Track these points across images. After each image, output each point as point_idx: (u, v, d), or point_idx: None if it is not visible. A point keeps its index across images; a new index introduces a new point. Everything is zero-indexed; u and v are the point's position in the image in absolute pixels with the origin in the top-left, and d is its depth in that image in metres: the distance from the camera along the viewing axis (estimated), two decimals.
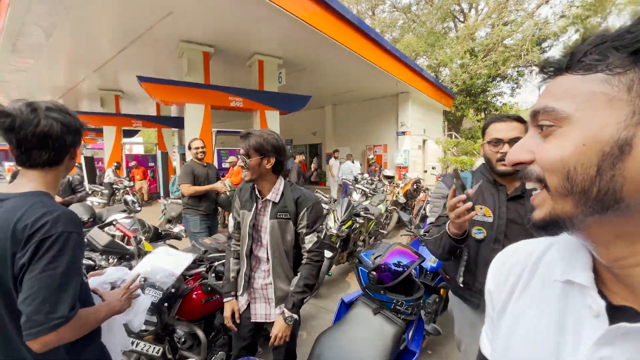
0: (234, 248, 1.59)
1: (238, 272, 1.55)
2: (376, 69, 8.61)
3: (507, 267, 0.49)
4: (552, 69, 0.38)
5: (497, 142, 1.26)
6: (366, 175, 8.33)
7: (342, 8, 6.73)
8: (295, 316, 1.37)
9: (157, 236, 3.29)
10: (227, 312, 1.52)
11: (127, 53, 7.61)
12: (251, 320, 1.51)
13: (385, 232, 5.33)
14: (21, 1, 4.95)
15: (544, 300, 0.41)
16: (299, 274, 1.44)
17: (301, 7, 5.85)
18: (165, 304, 1.61)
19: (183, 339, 1.78)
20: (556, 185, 0.34)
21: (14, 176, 7.58)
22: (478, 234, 1.30)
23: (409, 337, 1.39)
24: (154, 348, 1.58)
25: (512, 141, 1.21)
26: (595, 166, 0.31)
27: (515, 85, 17.39)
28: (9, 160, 21.91)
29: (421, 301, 1.46)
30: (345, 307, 1.60)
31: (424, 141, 13.58)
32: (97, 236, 1.80)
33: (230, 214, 1.63)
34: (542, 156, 0.36)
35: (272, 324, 1.47)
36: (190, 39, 6.93)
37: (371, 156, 12.67)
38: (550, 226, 0.36)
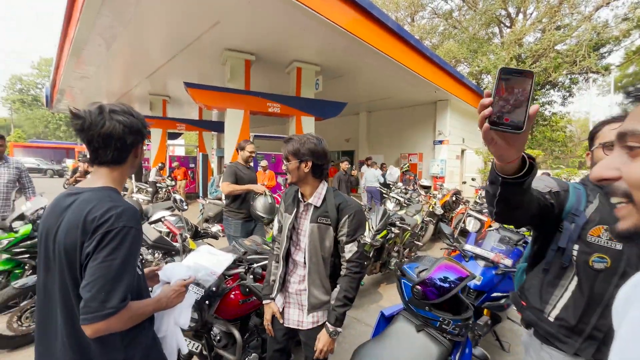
0: (276, 252, 1.59)
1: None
2: (414, 75, 8.43)
3: None
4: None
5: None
6: (400, 184, 8.12)
7: (381, 15, 6.68)
8: (340, 330, 1.35)
9: (197, 234, 3.42)
10: (267, 315, 1.53)
11: (176, 61, 8.15)
12: (284, 325, 1.51)
13: (420, 243, 5.12)
14: (90, 14, 5.49)
15: None
16: (338, 286, 1.40)
17: (341, 14, 5.89)
18: (206, 302, 1.65)
19: (219, 338, 1.81)
20: None
21: (74, 172, 8.36)
22: (598, 262, 1.00)
23: (456, 358, 1.29)
24: (193, 344, 1.62)
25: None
26: None
27: (568, 94, 16.08)
28: (69, 158, 24.32)
29: (470, 322, 1.35)
30: (385, 321, 1.53)
31: (463, 151, 12.98)
32: (148, 232, 1.90)
33: (276, 218, 1.62)
34: (631, 174, 0.39)
35: (305, 331, 1.46)
36: (234, 47, 7.26)
37: (405, 164, 12.34)
38: (636, 236, 0.41)
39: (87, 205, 0.90)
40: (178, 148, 22.76)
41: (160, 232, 2.25)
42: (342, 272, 1.40)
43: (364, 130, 14.28)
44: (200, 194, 7.26)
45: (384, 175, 9.18)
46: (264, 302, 1.56)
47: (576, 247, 1.03)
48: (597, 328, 0.99)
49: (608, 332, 0.96)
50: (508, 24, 18.72)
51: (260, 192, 3.34)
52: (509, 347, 2.66)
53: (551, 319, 1.07)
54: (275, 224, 1.62)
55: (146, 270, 1.27)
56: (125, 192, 11.27)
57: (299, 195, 1.51)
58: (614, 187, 0.42)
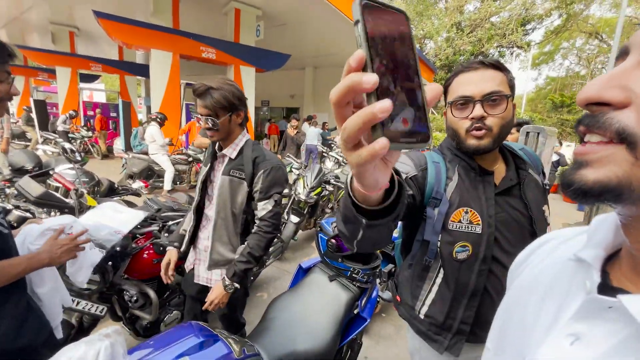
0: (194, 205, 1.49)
1: None
2: None
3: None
4: None
5: (465, 101, 0.82)
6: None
7: None
8: (237, 285, 1.28)
9: (112, 191, 3.07)
10: (163, 261, 1.46)
11: None
12: (194, 281, 1.45)
13: None
14: None
15: (550, 276, 0.38)
16: (245, 242, 1.33)
17: None
18: (110, 263, 1.51)
19: (135, 298, 1.71)
20: None
21: None
22: (461, 252, 0.87)
23: (362, 304, 1.41)
24: (97, 307, 1.50)
25: (488, 98, 0.80)
26: None
27: None
28: None
29: (377, 270, 1.48)
30: (303, 273, 1.59)
31: None
32: (28, 186, 1.60)
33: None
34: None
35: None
36: None
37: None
38: (607, 194, 0.26)
39: None
40: (97, 94, 19.60)
41: (55, 187, 1.94)
42: (253, 230, 1.33)
43: (310, 86, 13.90)
44: (123, 147, 6.47)
45: (324, 134, 9.21)
46: (167, 248, 1.49)
47: (440, 237, 0.89)
48: (463, 321, 0.90)
49: (474, 325, 0.90)
50: None
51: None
52: None
53: (421, 316, 0.97)
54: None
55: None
56: (29, 143, 9.49)
57: (216, 147, 1.39)
58: (605, 120, 0.26)
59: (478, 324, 0.90)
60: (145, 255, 1.72)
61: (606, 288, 0.31)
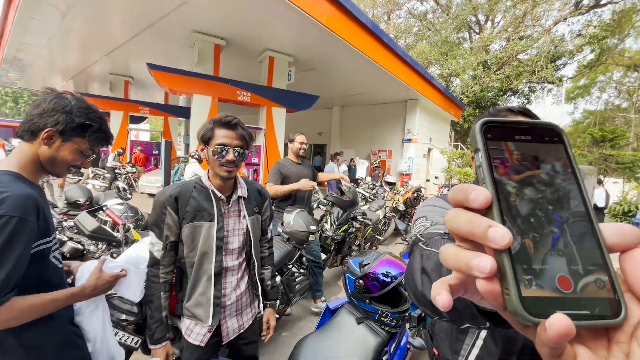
0: (163, 279, 1.23)
1: (177, 306, 1.31)
2: (386, 73, 8.58)
3: None
4: None
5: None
6: (369, 179, 8.28)
7: (356, 10, 6.70)
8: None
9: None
10: None
11: (140, 39, 7.66)
12: (223, 343, 1.32)
13: (381, 238, 5.29)
14: None
15: None
16: (269, 268, 1.43)
17: (316, 6, 5.83)
18: None
19: None
20: None
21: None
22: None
23: (391, 350, 1.36)
24: (133, 339, 1.56)
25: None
26: None
27: (526, 101, 17.25)
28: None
29: (407, 314, 1.43)
30: (330, 314, 1.56)
31: (430, 150, 13.50)
32: (85, 221, 1.78)
33: (152, 234, 1.24)
34: None
35: (247, 329, 1.38)
36: (203, 30, 6.95)
37: (376, 160, 12.62)
38: None
39: None
40: (142, 133, 21.55)
41: (105, 222, 2.13)
42: (266, 253, 1.42)
43: (337, 124, 14.38)
44: (162, 183, 6.94)
45: (350, 169, 9.31)
46: (156, 346, 1.21)
47: None
48: None
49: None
50: (477, 31, 19.57)
51: (308, 188, 2.89)
52: None
53: None
54: (154, 244, 1.24)
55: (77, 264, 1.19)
56: (81, 178, 10.50)
57: (217, 193, 1.24)
58: None
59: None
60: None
61: None
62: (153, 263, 1.24)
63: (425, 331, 1.08)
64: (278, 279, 2.16)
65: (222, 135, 1.16)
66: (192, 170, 5.73)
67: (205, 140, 1.19)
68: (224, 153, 1.15)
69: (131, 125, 12.71)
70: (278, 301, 1.38)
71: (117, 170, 9.33)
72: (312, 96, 9.00)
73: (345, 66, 8.43)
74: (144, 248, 1.68)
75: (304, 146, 3.03)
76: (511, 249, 0.20)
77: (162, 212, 1.19)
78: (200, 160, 5.93)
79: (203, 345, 1.26)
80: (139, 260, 1.59)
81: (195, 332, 1.26)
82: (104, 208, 1.88)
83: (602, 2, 16.45)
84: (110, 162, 9.30)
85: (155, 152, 12.22)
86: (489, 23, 19.21)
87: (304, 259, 3.21)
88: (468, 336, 0.87)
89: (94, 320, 1.10)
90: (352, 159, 11.56)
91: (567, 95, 22.69)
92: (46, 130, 0.89)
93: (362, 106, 13.63)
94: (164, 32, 7.16)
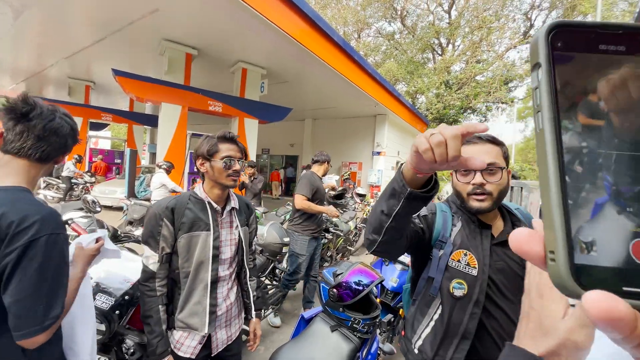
0: (160, 292, 1.22)
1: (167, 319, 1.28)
2: (357, 89, 8.92)
3: None
4: None
5: (467, 172, 0.98)
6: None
7: (329, 28, 6.98)
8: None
9: (115, 238, 3.12)
10: None
11: (105, 44, 7.35)
12: (212, 355, 1.33)
13: (352, 249, 5.41)
14: None
15: None
16: (254, 279, 1.47)
17: (289, 22, 6.00)
18: (117, 312, 1.54)
19: (132, 350, 1.69)
20: None
21: None
22: (457, 289, 0.96)
23: (363, 354, 1.43)
24: (100, 358, 1.49)
25: (486, 169, 0.94)
26: None
27: (484, 119, 18.66)
28: None
29: (377, 320, 1.51)
30: (305, 323, 1.61)
31: (397, 163, 14.08)
32: None
33: (146, 248, 1.25)
34: None
35: (234, 341, 1.40)
36: (174, 38, 6.84)
37: (346, 172, 12.90)
38: None
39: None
40: (102, 141, 20.29)
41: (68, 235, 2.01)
42: (250, 265, 1.46)
43: (309, 136, 14.57)
44: (126, 193, 6.59)
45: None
46: None
47: (443, 274, 1.00)
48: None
49: (478, 338, 0.94)
50: (440, 52, 21.01)
51: (333, 216, 3.16)
52: None
53: (415, 350, 1.00)
54: (150, 257, 1.23)
55: None
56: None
57: (212, 204, 1.29)
58: None
59: (478, 343, 0.94)
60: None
61: None
62: (148, 277, 1.23)
63: (403, 320, 1.25)
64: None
65: (227, 149, 1.27)
66: (159, 181, 5.53)
67: (210, 154, 1.25)
68: (231, 164, 1.26)
69: (90, 132, 11.98)
70: (262, 311, 1.43)
71: (73, 180, 8.70)
72: (284, 108, 9.10)
73: (317, 80, 8.66)
74: (114, 263, 1.63)
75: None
76: (567, 193, 0.16)
77: (158, 223, 1.22)
78: (168, 171, 5.74)
79: (194, 357, 1.26)
80: (108, 276, 1.55)
81: (186, 345, 1.26)
82: (68, 222, 1.78)
83: None
84: (65, 171, 8.64)
85: (118, 161, 11.57)
86: (450, 46, 20.73)
87: (277, 270, 3.21)
88: (425, 317, 1.03)
89: (85, 341, 1.06)
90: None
91: (519, 114, 24.92)
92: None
93: (334, 119, 13.97)
94: (131, 39, 6.95)
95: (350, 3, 22.80)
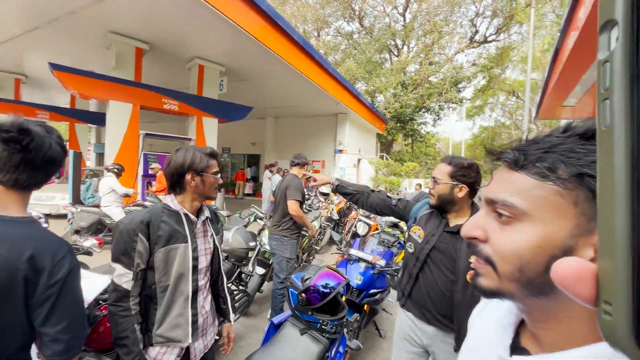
0: (135, 310, 1.19)
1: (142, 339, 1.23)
2: (318, 88, 9.01)
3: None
4: (511, 159, 0.41)
5: (432, 179, 1.47)
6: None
7: (288, 27, 6.95)
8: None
9: None
10: None
11: (39, 33, 6.61)
12: None
13: (318, 248, 5.50)
14: None
15: (488, 332, 0.51)
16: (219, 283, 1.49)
17: (247, 19, 5.88)
18: None
19: None
20: (506, 272, 0.38)
21: None
22: (409, 248, 1.54)
23: (332, 354, 1.50)
24: None
25: (434, 180, 1.44)
26: (544, 265, 0.35)
27: (437, 117, 19.88)
28: None
29: (344, 320, 1.59)
30: (274, 329, 1.64)
31: (359, 160, 14.49)
32: None
33: (118, 266, 1.19)
34: (499, 244, 0.39)
35: (210, 348, 1.41)
36: (121, 31, 6.36)
37: (309, 171, 13.00)
38: (493, 296, 0.41)
39: (25, 241, 0.81)
40: None
41: None
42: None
43: (271, 135, 14.41)
44: (70, 200, 6.01)
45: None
46: None
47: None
48: (406, 290, 1.54)
49: (411, 290, 1.51)
50: (396, 54, 21.90)
51: (313, 235, 3.32)
52: (384, 333, 3.15)
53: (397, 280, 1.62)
54: (123, 276, 1.18)
55: None
56: None
57: (189, 215, 1.30)
58: (478, 250, 0.41)
59: (411, 296, 1.53)
60: (108, 324, 1.64)
61: (516, 348, 0.44)
62: (121, 296, 1.18)
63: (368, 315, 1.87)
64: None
65: (214, 165, 1.35)
66: (108, 185, 5.13)
67: (202, 170, 1.28)
68: (219, 178, 1.38)
69: None
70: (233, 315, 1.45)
71: None
72: (245, 107, 8.91)
73: (278, 78, 8.59)
74: None
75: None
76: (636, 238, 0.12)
77: (133, 239, 1.18)
78: (118, 174, 5.35)
79: None
80: None
81: None
82: None
83: (489, 40, 20.15)
84: None
85: None
86: (406, 48, 21.70)
87: (243, 275, 3.18)
88: (402, 263, 1.66)
89: None
90: (283, 169, 11.69)
91: (467, 113, 26.94)
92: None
93: (296, 118, 13.96)
94: (72, 30, 6.32)
95: (309, 1, 22.82)
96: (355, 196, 1.79)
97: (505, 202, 0.39)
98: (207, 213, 1.38)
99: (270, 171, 9.51)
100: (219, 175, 1.36)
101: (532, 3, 10.58)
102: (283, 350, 1.45)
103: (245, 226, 4.20)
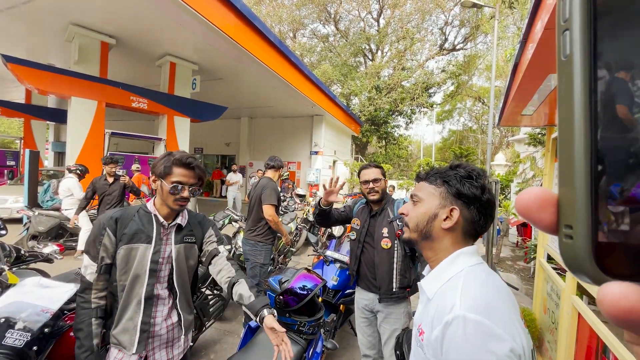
0: (95, 304, 1.19)
1: (104, 335, 1.22)
2: (293, 89, 9.00)
3: None
4: (420, 177, 0.86)
5: (366, 182, 1.90)
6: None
7: (264, 27, 6.89)
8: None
9: (17, 259, 2.66)
10: None
11: None
12: None
13: (294, 249, 5.49)
14: None
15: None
16: (240, 281, 1.30)
17: (222, 17, 5.77)
18: (35, 348, 1.35)
19: None
20: (412, 227, 0.80)
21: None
22: (352, 236, 1.99)
23: (309, 354, 1.52)
24: None
25: (374, 180, 1.87)
26: (426, 222, 0.78)
27: (409, 121, 20.54)
28: None
29: (321, 320, 1.62)
30: (251, 333, 1.63)
31: (334, 162, 14.63)
32: None
33: (85, 257, 1.22)
34: (411, 215, 0.82)
35: None
36: (84, 24, 6.01)
37: (285, 172, 12.93)
38: (408, 243, 0.84)
39: None
40: None
41: None
42: (235, 267, 1.36)
43: (245, 135, 14.18)
44: (26, 202, 5.57)
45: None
46: None
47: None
48: (354, 269, 1.93)
49: (358, 269, 1.93)
50: (370, 58, 22.37)
51: (285, 242, 3.31)
52: None
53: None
54: (89, 267, 1.20)
55: None
56: None
57: (159, 217, 1.27)
58: (404, 219, 0.83)
59: (358, 274, 1.95)
60: (72, 334, 1.56)
61: None
62: (84, 288, 1.20)
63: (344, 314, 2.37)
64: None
65: (179, 174, 1.23)
66: (67, 186, 4.81)
67: (162, 175, 1.23)
68: (179, 190, 1.23)
69: None
70: (268, 310, 1.23)
71: None
72: (220, 107, 8.72)
73: (253, 78, 8.48)
74: (26, 292, 1.43)
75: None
76: (597, 147, 0.13)
77: (101, 233, 1.21)
78: (81, 176, 5.03)
79: None
80: (19, 308, 1.36)
81: None
82: None
83: (457, 48, 21.17)
84: None
85: (10, 163, 9.65)
86: (380, 52, 22.23)
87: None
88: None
89: None
90: (259, 170, 11.56)
91: (437, 117, 28.08)
92: None
93: (272, 118, 13.85)
94: (28, 20, 5.88)
95: (285, 1, 22.73)
96: (325, 214, 2.08)
97: (415, 194, 0.82)
98: (180, 220, 1.32)
99: (234, 171, 9.45)
100: (183, 188, 1.23)
101: (496, 15, 11.25)
102: (261, 353, 1.45)
103: (220, 229, 4.11)
